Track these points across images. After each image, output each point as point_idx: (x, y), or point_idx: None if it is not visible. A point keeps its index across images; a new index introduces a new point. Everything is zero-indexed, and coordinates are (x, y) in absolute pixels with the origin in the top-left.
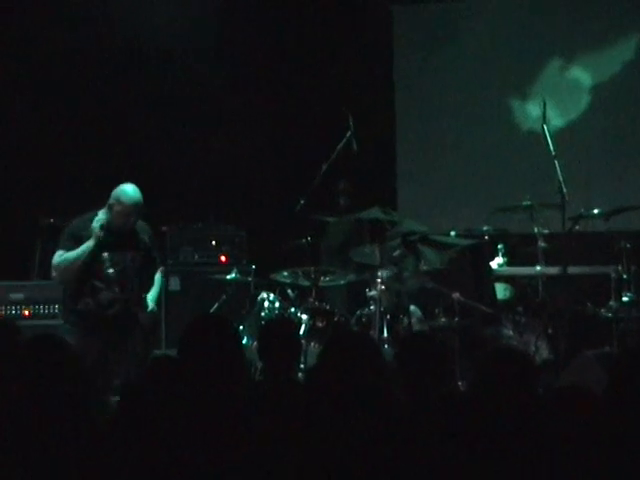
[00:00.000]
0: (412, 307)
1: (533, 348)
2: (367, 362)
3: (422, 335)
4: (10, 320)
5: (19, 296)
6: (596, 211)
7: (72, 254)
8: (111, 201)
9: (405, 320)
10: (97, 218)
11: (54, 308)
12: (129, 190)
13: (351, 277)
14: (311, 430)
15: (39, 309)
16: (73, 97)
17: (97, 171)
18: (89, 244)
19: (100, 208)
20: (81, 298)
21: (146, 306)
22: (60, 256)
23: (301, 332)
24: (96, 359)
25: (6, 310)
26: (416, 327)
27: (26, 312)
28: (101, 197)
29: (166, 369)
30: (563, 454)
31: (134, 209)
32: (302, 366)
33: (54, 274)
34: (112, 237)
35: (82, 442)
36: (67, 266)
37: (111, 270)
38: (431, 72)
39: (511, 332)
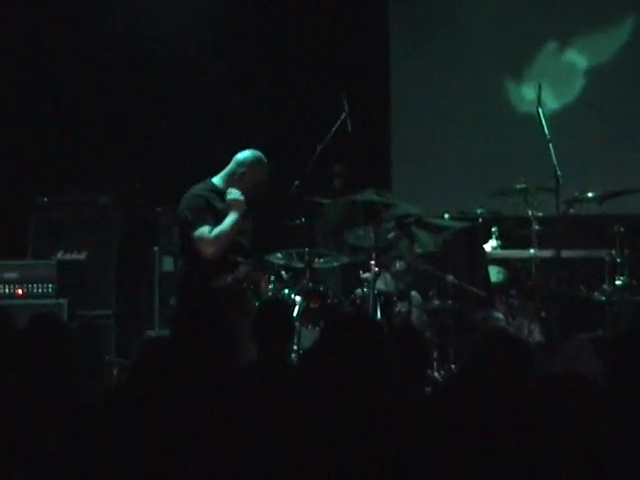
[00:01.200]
0: (413, 293)
1: (526, 331)
2: (367, 345)
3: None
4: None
5: (13, 275)
6: (590, 195)
7: (224, 228)
8: (242, 169)
9: (398, 303)
10: (231, 190)
11: (48, 287)
12: (261, 154)
13: (345, 259)
14: (304, 412)
15: (33, 288)
16: (69, 78)
17: (92, 150)
18: (235, 217)
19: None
20: (219, 274)
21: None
22: (211, 231)
23: (295, 314)
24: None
25: None
26: (415, 313)
27: (20, 291)
28: (95, 176)
29: (159, 350)
30: (556, 441)
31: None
32: (295, 347)
33: (211, 250)
34: None
35: (79, 421)
36: (225, 240)
37: (244, 242)
38: (427, 54)
39: (504, 315)
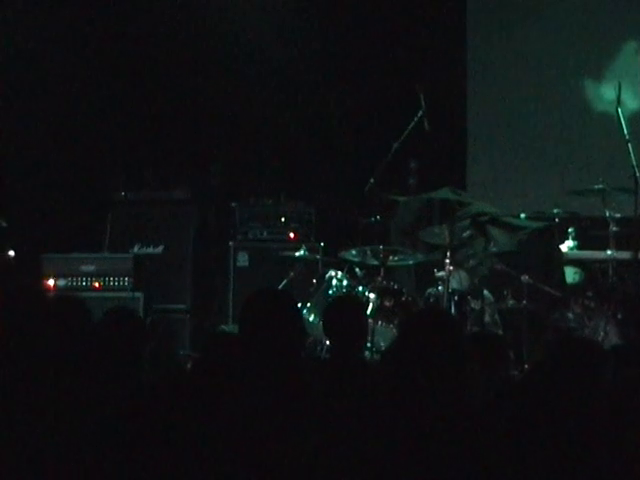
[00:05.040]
0: (485, 292)
1: (602, 333)
2: (447, 343)
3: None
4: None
5: (90, 268)
6: None
7: None
8: None
9: (472, 301)
10: None
11: (124, 280)
12: None
13: (419, 257)
14: (379, 409)
15: (109, 281)
16: (145, 73)
17: (170, 146)
18: None
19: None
20: None
21: None
22: None
23: (368, 311)
24: None
25: (77, 282)
26: (487, 312)
27: (96, 284)
28: (173, 172)
29: (224, 345)
30: (627, 448)
31: None
32: (369, 345)
33: None
34: None
35: (148, 414)
36: None
37: None
38: (504, 52)
39: (579, 316)
